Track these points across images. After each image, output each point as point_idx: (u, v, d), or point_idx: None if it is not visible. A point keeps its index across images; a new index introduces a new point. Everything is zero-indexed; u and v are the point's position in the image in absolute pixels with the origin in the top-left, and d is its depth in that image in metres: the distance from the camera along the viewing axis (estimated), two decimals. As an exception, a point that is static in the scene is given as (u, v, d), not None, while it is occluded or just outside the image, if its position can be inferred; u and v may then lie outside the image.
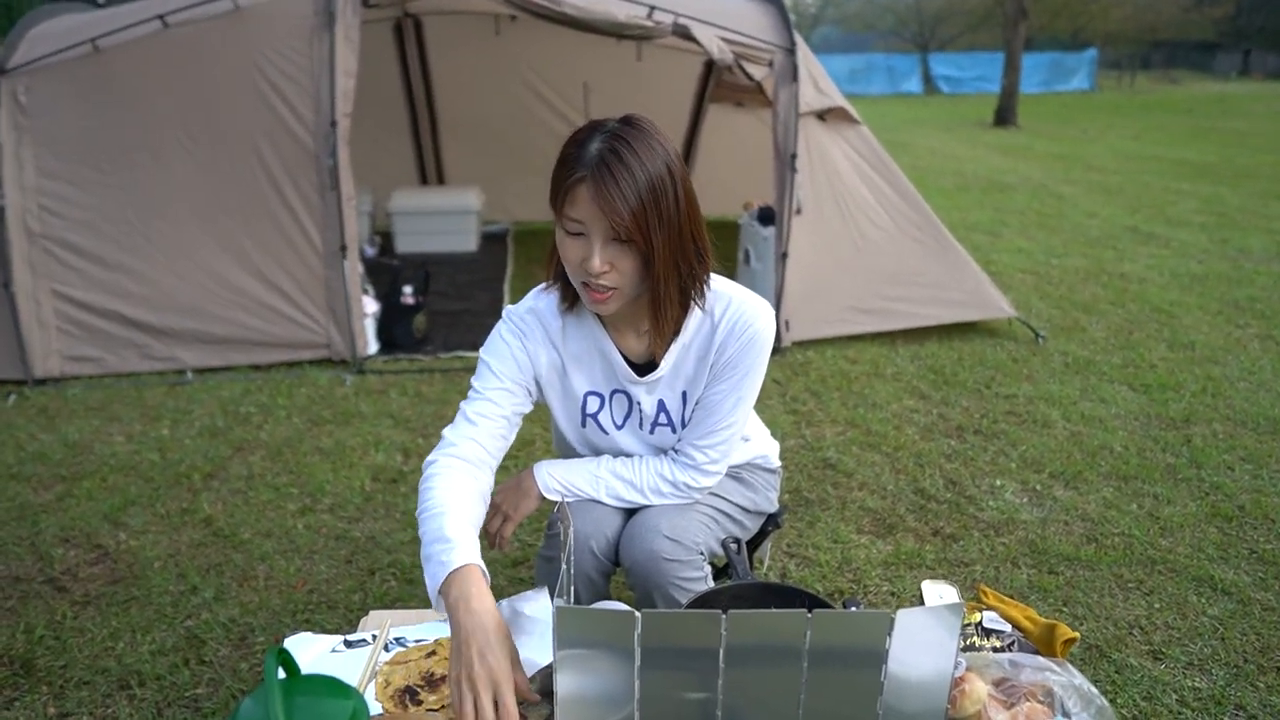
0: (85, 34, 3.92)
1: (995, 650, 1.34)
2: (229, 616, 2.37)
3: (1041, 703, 1.20)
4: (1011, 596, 2.40)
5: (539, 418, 3.55)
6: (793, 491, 3.04)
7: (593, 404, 1.63)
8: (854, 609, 1.35)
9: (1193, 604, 2.41)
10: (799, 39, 4.32)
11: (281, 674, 1.13)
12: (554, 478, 1.64)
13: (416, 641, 1.42)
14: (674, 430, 1.64)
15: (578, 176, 1.31)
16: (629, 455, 1.67)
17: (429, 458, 1.49)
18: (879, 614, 1.07)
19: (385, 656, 1.38)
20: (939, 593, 1.46)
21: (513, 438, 1.59)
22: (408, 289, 4.50)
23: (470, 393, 1.57)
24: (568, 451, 1.77)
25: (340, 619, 2.36)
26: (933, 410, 3.72)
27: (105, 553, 2.69)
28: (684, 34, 4.14)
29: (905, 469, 3.20)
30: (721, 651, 1.08)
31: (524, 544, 2.71)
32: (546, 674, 1.27)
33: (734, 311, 1.53)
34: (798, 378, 4.07)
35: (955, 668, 1.11)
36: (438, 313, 5.00)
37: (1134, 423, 3.59)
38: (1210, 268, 5.99)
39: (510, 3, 4.09)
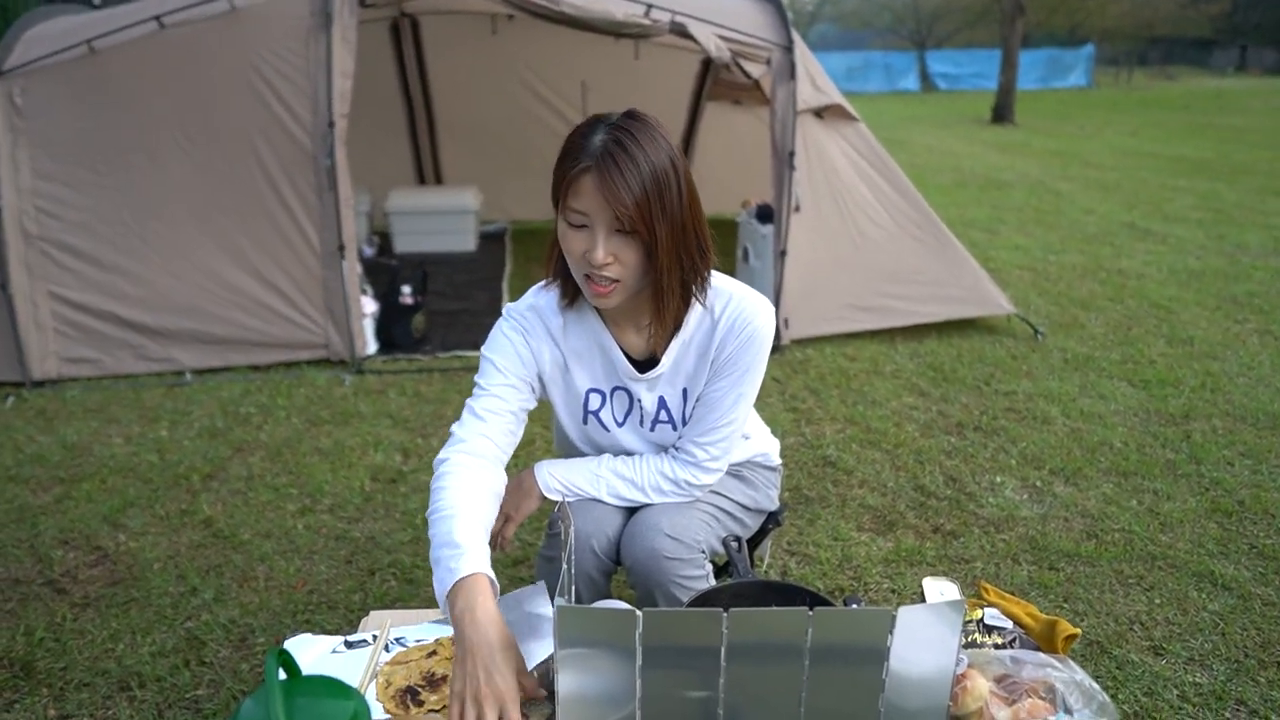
0: (81, 35, 3.91)
1: (997, 647, 1.34)
2: (229, 617, 2.36)
3: (1043, 699, 1.20)
4: (1012, 593, 2.40)
5: (539, 417, 3.55)
6: (793, 489, 3.03)
7: (594, 401, 1.63)
8: (855, 606, 1.35)
9: (1193, 599, 2.41)
10: (796, 37, 4.32)
11: (282, 675, 1.13)
12: (555, 477, 1.64)
13: (417, 641, 1.42)
14: (674, 428, 1.63)
15: (582, 167, 1.31)
16: (630, 453, 1.67)
17: (440, 455, 1.48)
18: (880, 611, 1.07)
19: (386, 657, 1.38)
20: (940, 589, 1.46)
21: (520, 434, 1.58)
22: (406, 289, 4.50)
23: (475, 390, 1.56)
24: (569, 449, 1.76)
25: (340, 619, 2.36)
26: (932, 407, 3.72)
27: (105, 554, 2.68)
28: (681, 32, 4.14)
29: (905, 466, 3.20)
30: (723, 650, 1.08)
31: (524, 543, 2.71)
32: (545, 669, 1.27)
33: (734, 308, 1.53)
34: (797, 375, 4.07)
35: (957, 664, 1.11)
36: (436, 312, 4.99)
37: (1133, 419, 3.59)
38: (1208, 263, 5.99)
39: (508, 2, 4.09)
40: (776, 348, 4.26)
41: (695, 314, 1.53)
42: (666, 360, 1.56)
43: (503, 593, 1.38)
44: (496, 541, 1.66)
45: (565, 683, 1.11)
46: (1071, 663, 1.24)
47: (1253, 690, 2.06)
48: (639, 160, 1.31)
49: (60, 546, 2.72)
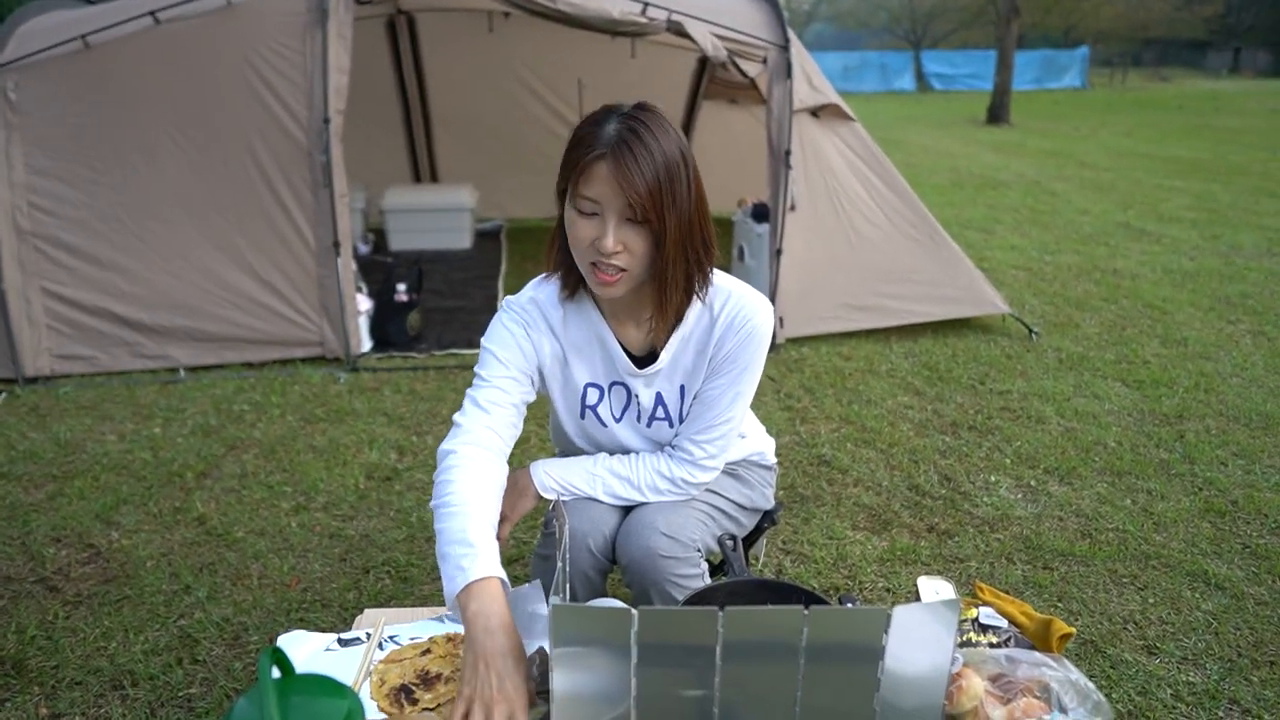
0: (76, 30, 3.89)
1: (992, 646, 1.34)
2: (222, 615, 2.36)
3: (1038, 698, 1.20)
4: (1007, 592, 2.40)
5: (534, 414, 3.55)
6: (788, 488, 3.03)
7: (592, 395, 1.63)
8: (850, 605, 1.35)
9: (1187, 599, 2.41)
10: (793, 36, 4.31)
11: (276, 673, 1.13)
12: (551, 476, 1.63)
13: (411, 640, 1.42)
14: (671, 424, 1.63)
15: (596, 154, 1.32)
16: (626, 449, 1.67)
17: (445, 446, 1.47)
18: (876, 610, 1.07)
19: (380, 655, 1.38)
20: (935, 588, 1.46)
21: (521, 427, 1.57)
22: (401, 286, 4.49)
23: (476, 381, 1.55)
24: (565, 444, 1.76)
25: (334, 617, 2.35)
26: (927, 406, 3.72)
27: (97, 552, 2.67)
28: (678, 30, 4.13)
29: (900, 465, 3.21)
30: (718, 648, 1.07)
31: (519, 541, 2.70)
32: (538, 664, 1.27)
33: (733, 306, 1.53)
34: (792, 374, 4.07)
35: (952, 664, 1.11)
36: (431, 310, 4.98)
37: (1127, 418, 3.60)
38: (1202, 264, 6.01)
39: (503, -1, 4.09)
40: (772, 346, 4.25)
41: (695, 310, 1.53)
42: (665, 356, 1.56)
43: None
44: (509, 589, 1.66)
45: (560, 681, 1.10)
46: (1066, 662, 1.24)
47: (1246, 689, 2.06)
48: (652, 149, 1.32)
49: (52, 544, 2.71)
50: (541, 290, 1.58)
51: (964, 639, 1.36)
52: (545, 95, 6.81)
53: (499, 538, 1.61)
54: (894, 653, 1.08)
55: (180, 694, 2.07)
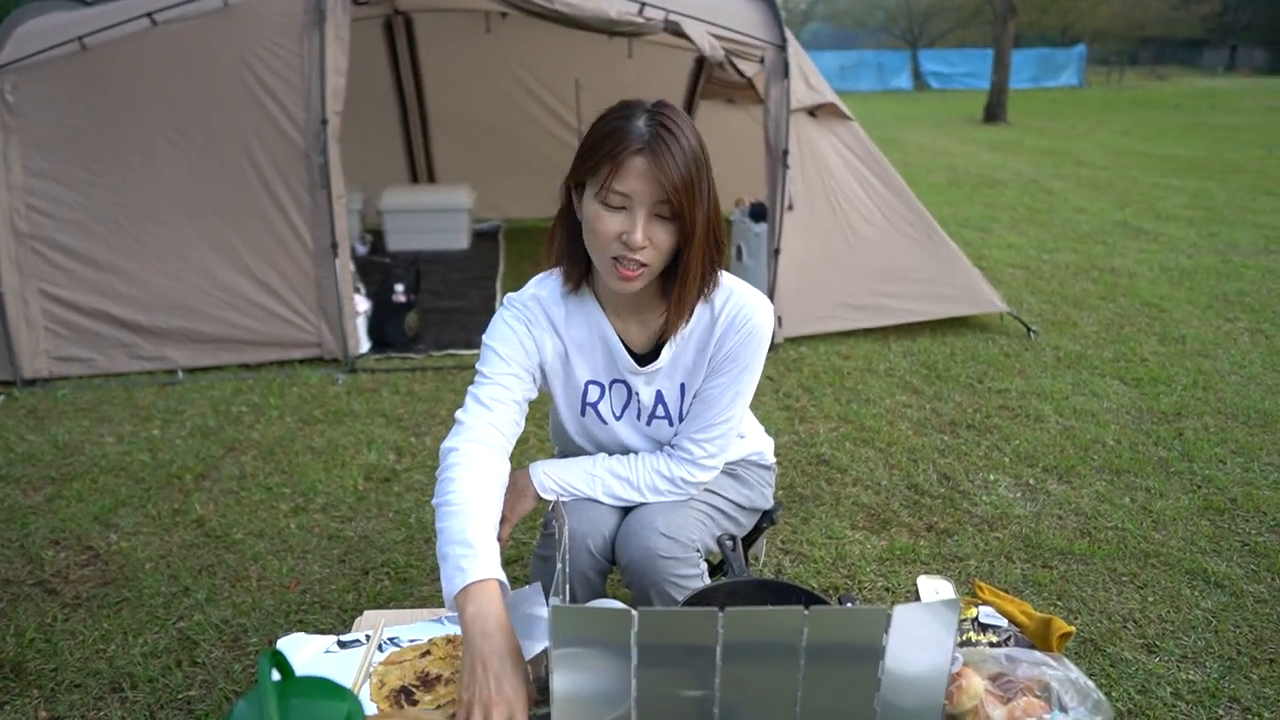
0: (72, 32, 3.89)
1: (992, 645, 1.34)
2: (221, 618, 2.35)
3: (1038, 697, 1.20)
4: (1006, 591, 2.40)
5: (533, 414, 3.55)
6: (787, 487, 3.03)
7: (593, 393, 1.63)
8: (850, 605, 1.35)
9: (1186, 597, 2.41)
10: (789, 35, 4.31)
11: (275, 676, 1.12)
12: (550, 477, 1.63)
13: (411, 641, 1.41)
14: (671, 423, 1.63)
15: (634, 149, 1.33)
16: (626, 447, 1.67)
17: (447, 444, 1.47)
18: (876, 610, 1.07)
19: (379, 657, 1.38)
20: (935, 588, 1.46)
21: (523, 424, 1.57)
22: (399, 287, 4.49)
23: (478, 378, 1.55)
24: (565, 444, 1.76)
25: (334, 619, 2.35)
26: (925, 405, 3.73)
27: (96, 554, 2.67)
28: (675, 30, 4.13)
29: (899, 464, 3.21)
30: (719, 649, 1.07)
31: (518, 541, 2.70)
32: (539, 666, 1.27)
33: (734, 304, 1.54)
34: (791, 374, 4.07)
35: (952, 663, 1.11)
36: (429, 311, 4.98)
37: (1126, 417, 3.60)
38: (1199, 262, 6.02)
39: (501, 0, 4.08)
40: (770, 346, 4.25)
41: (696, 308, 1.54)
42: (666, 354, 1.56)
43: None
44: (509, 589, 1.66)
45: (560, 682, 1.10)
46: (1066, 661, 1.24)
47: (1245, 687, 2.06)
48: (684, 144, 1.35)
49: (51, 546, 2.71)
50: (544, 287, 1.58)
51: (964, 638, 1.36)
52: (542, 95, 6.81)
53: (499, 539, 1.61)
54: (894, 652, 1.08)
55: (180, 696, 2.07)
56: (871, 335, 4.51)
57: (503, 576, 1.29)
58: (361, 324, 4.31)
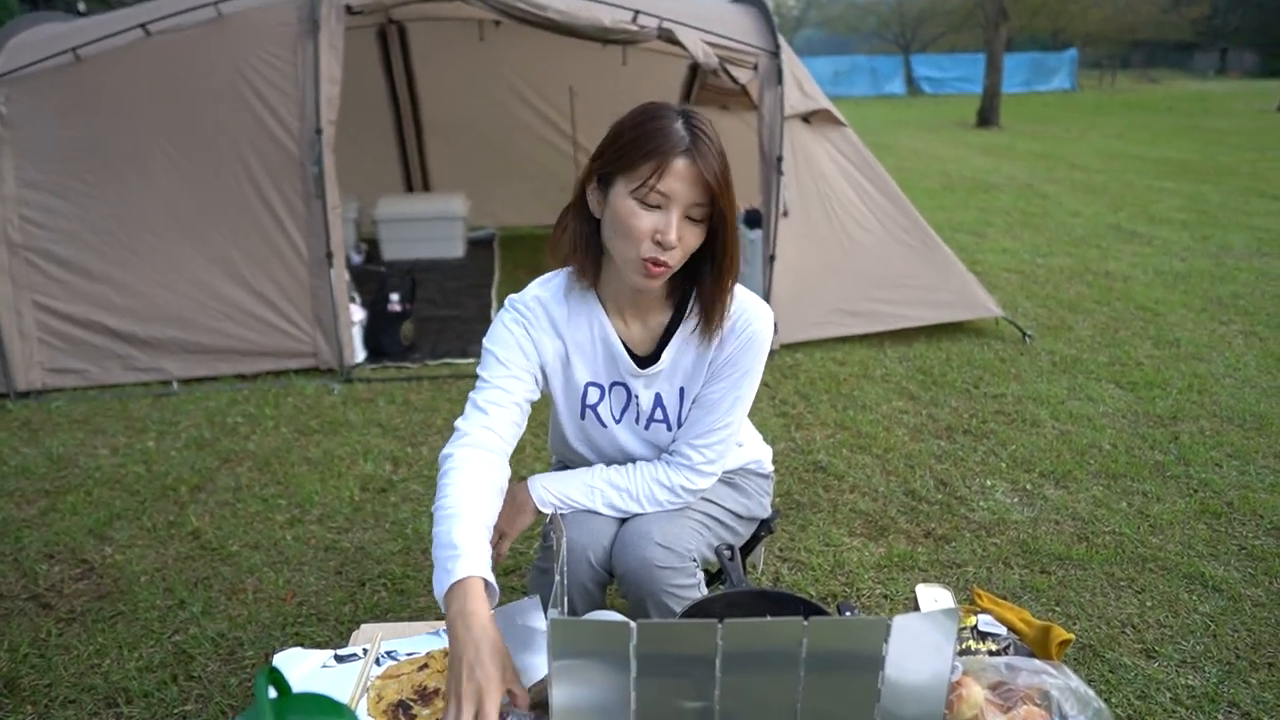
0: (67, 43, 3.89)
1: (991, 654, 1.34)
2: (217, 631, 2.34)
3: (1038, 706, 1.20)
4: (1004, 597, 2.40)
5: (530, 423, 3.54)
6: (784, 495, 3.03)
7: (593, 395, 1.63)
8: (849, 615, 1.35)
9: (1184, 601, 2.41)
10: (783, 42, 4.33)
11: (272, 693, 1.12)
12: (549, 491, 1.62)
13: (408, 655, 1.41)
14: (669, 427, 1.63)
15: (679, 150, 1.36)
16: (625, 451, 1.67)
17: (444, 451, 1.47)
18: (875, 620, 1.06)
19: (377, 671, 1.37)
20: (934, 596, 1.45)
21: (524, 425, 1.57)
22: (395, 296, 4.48)
23: (478, 383, 1.55)
24: (564, 450, 1.76)
25: (330, 631, 2.34)
26: (922, 411, 3.73)
27: (90, 568, 2.66)
28: (669, 38, 4.14)
29: (896, 470, 3.21)
30: (718, 660, 1.07)
31: (516, 553, 2.69)
32: (543, 687, 1.26)
33: (735, 309, 1.55)
34: (787, 380, 4.07)
35: (952, 672, 1.11)
36: (425, 320, 4.97)
37: (1122, 421, 3.61)
38: (1193, 265, 6.03)
39: (495, 8, 4.08)
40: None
41: (697, 311, 1.55)
42: (666, 356, 1.57)
43: (499, 601, 1.37)
44: (497, 596, 1.65)
45: (559, 695, 1.10)
46: (1066, 669, 1.24)
47: (1244, 692, 2.06)
48: (717, 148, 1.40)
49: (45, 560, 2.70)
50: (546, 287, 1.58)
51: (963, 647, 1.35)
52: (537, 103, 6.81)
53: (497, 554, 1.60)
54: (894, 662, 1.08)
55: (175, 711, 2.06)
56: (867, 341, 4.51)
57: (488, 575, 1.29)
58: (357, 333, 4.30)
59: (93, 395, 3.95)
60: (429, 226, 6.45)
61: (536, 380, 1.58)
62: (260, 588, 2.54)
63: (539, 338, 1.57)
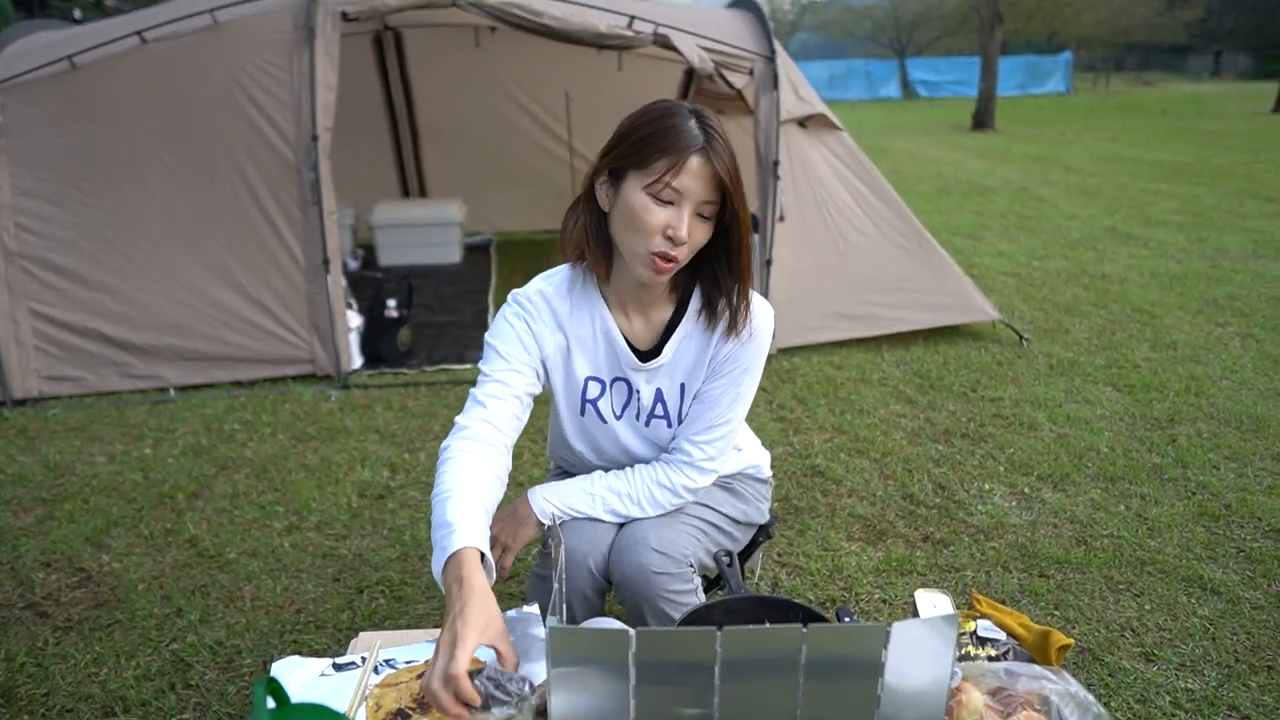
0: (62, 50, 3.88)
1: (990, 659, 1.33)
2: (215, 639, 2.33)
3: (1038, 711, 1.20)
4: (1003, 601, 2.40)
5: (528, 430, 3.54)
6: (782, 499, 3.03)
7: (593, 389, 1.63)
8: (848, 621, 1.34)
9: (1183, 604, 2.41)
10: (778, 46, 4.33)
11: (270, 703, 1.11)
12: (550, 501, 1.63)
13: (407, 663, 1.40)
14: (669, 424, 1.64)
15: (695, 148, 1.39)
16: (625, 449, 1.68)
17: (443, 444, 1.48)
18: (875, 627, 1.06)
19: (375, 679, 1.36)
20: (933, 602, 1.45)
21: (525, 418, 1.57)
22: (391, 302, 4.48)
23: (479, 378, 1.56)
24: (564, 452, 1.76)
25: (329, 638, 2.33)
26: (919, 415, 3.73)
27: (88, 576, 2.65)
28: (664, 43, 4.14)
29: (894, 474, 3.21)
30: (717, 670, 1.07)
31: (515, 559, 2.68)
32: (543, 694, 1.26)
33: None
34: (784, 385, 4.07)
35: (951, 678, 1.11)
36: (422, 325, 4.97)
37: (1119, 423, 3.61)
38: (1189, 267, 6.05)
39: (490, 15, 4.09)
40: (763, 357, 4.26)
41: (696, 307, 1.57)
42: (668, 350, 1.58)
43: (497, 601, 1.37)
44: (495, 571, 1.65)
45: (558, 703, 1.09)
46: (1066, 674, 1.24)
47: (1244, 695, 2.06)
48: (728, 147, 1.44)
49: (42, 568, 2.69)
50: (549, 282, 1.60)
51: (962, 652, 1.35)
52: (532, 109, 6.82)
53: (501, 567, 1.59)
54: (894, 669, 1.08)
55: (173, 719, 2.05)
56: (864, 345, 4.52)
57: (482, 545, 1.29)
58: (354, 340, 4.30)
59: (89, 403, 3.94)
60: (425, 232, 6.45)
61: (538, 374, 1.59)
62: (258, 595, 2.54)
63: (539, 331, 1.58)
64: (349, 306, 4.31)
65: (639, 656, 1.06)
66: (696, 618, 1.33)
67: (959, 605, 1.73)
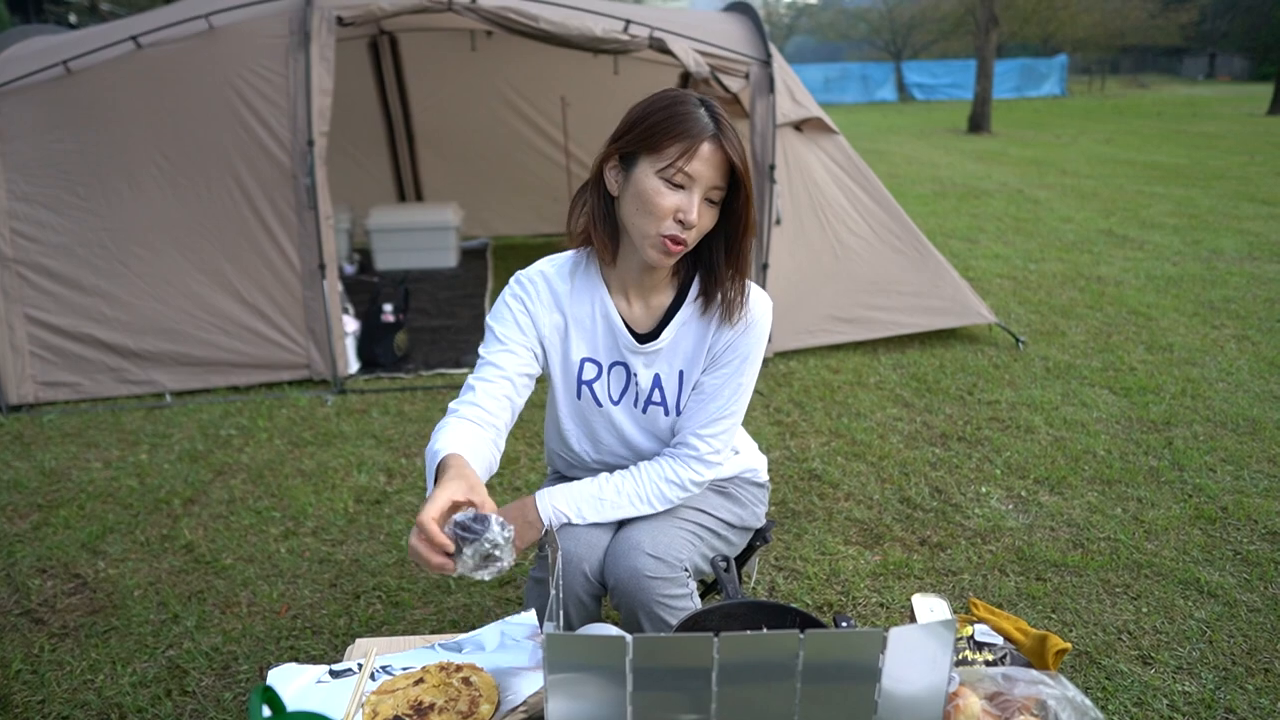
0: (57, 56, 3.88)
1: (988, 664, 1.33)
2: (211, 645, 2.33)
3: (1036, 716, 1.20)
4: (1000, 605, 2.40)
5: (523, 436, 3.54)
6: (779, 503, 3.03)
7: (589, 370, 1.65)
8: (845, 626, 1.34)
9: (1180, 607, 2.41)
10: (774, 50, 4.34)
11: (267, 712, 1.11)
12: (558, 506, 1.63)
13: (404, 669, 1.40)
14: (666, 412, 1.65)
15: (708, 135, 1.43)
16: (623, 437, 1.69)
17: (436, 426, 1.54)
18: (872, 632, 1.06)
19: (372, 686, 1.36)
20: (930, 607, 1.45)
21: (521, 401, 1.60)
22: (388, 307, 4.47)
23: (478, 361, 1.61)
24: (560, 447, 1.77)
25: (325, 644, 2.33)
26: (916, 418, 3.73)
27: (83, 582, 2.64)
28: (660, 47, 4.15)
29: (891, 478, 3.21)
30: (714, 675, 1.07)
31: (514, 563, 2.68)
32: (539, 700, 1.25)
33: None
34: (781, 389, 4.07)
35: (949, 683, 1.11)
36: (418, 330, 4.97)
37: (1115, 426, 3.61)
38: (1185, 269, 6.06)
39: (486, 19, 4.09)
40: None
41: (695, 293, 1.60)
42: (666, 334, 1.60)
43: (490, 615, 1.37)
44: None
45: (555, 709, 1.09)
46: (1063, 679, 1.24)
47: (1241, 698, 2.06)
48: (737, 133, 1.48)
49: (38, 575, 2.68)
50: (552, 264, 1.63)
51: (960, 657, 1.35)
52: (529, 113, 6.82)
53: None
54: (891, 674, 1.08)
55: (169, 727, 2.05)
56: (861, 348, 4.52)
57: (465, 453, 1.37)
58: (350, 344, 4.30)
59: (85, 408, 3.94)
60: (422, 236, 6.45)
61: (535, 355, 1.62)
62: (254, 601, 2.53)
63: (536, 310, 1.61)
64: (345, 311, 4.31)
65: (636, 663, 1.06)
66: (693, 623, 1.33)
67: (956, 610, 1.72)
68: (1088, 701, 1.19)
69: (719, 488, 1.78)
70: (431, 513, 1.19)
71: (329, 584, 2.62)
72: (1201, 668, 2.17)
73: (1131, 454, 3.36)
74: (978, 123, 18.17)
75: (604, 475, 1.67)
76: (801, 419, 3.75)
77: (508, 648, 1.41)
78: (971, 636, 1.39)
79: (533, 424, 3.61)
